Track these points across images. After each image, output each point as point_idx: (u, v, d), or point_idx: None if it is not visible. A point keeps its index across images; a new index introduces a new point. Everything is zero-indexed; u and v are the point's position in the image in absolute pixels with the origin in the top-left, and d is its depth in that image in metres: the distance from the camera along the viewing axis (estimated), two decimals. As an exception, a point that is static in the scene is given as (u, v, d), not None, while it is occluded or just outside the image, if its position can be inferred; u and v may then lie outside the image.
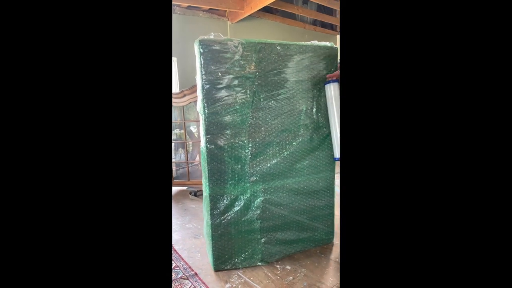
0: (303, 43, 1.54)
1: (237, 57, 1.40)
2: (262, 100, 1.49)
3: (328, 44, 1.60)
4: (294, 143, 1.59)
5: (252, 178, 1.52)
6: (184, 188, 3.13)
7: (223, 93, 1.41)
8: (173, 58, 3.48)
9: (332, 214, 1.78)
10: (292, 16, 4.56)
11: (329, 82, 1.52)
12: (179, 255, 1.76)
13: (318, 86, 1.60)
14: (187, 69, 3.52)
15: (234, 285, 1.44)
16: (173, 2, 3.15)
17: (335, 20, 4.73)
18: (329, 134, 1.67)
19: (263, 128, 1.51)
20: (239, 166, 1.49)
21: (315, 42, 1.57)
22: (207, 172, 1.47)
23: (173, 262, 1.68)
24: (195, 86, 2.47)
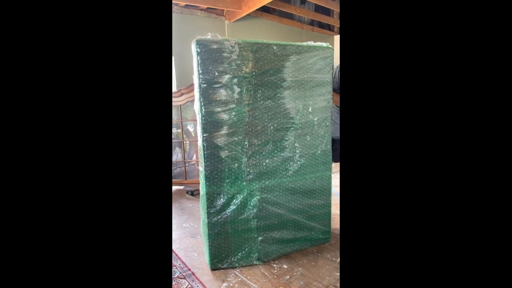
0: (299, 43, 1.55)
1: (234, 56, 1.40)
2: (259, 99, 1.50)
3: (324, 44, 1.63)
4: (290, 142, 1.60)
5: (248, 176, 1.53)
6: (181, 187, 3.13)
7: (220, 92, 1.42)
8: (170, 57, 3.47)
9: (328, 214, 1.79)
10: (289, 16, 4.56)
11: None
12: (176, 254, 1.76)
13: (314, 86, 1.61)
14: (184, 68, 3.51)
15: (231, 284, 1.45)
16: (170, 1, 3.15)
17: (333, 21, 4.75)
18: (325, 134, 1.68)
19: (259, 127, 1.52)
20: (236, 165, 1.50)
21: (311, 43, 1.59)
22: (204, 170, 1.48)
23: (170, 261, 1.68)
24: (192, 85, 2.47)
